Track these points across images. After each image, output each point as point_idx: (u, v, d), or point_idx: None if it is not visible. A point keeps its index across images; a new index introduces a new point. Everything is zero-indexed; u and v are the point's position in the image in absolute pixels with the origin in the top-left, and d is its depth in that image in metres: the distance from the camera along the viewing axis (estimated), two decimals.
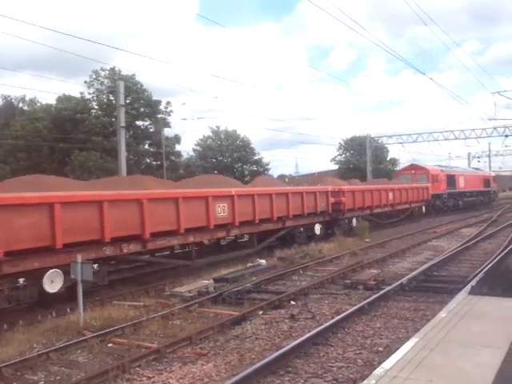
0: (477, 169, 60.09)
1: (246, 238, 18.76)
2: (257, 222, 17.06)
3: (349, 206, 23.59)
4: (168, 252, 15.72)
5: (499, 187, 64.14)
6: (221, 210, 15.33)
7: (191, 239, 14.53)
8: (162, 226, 13.22)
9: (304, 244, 19.10)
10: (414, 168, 40.24)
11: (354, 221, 24.34)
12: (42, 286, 10.18)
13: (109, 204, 11.65)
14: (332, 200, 22.22)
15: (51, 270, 10.31)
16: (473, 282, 9.88)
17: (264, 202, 17.49)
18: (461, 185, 42.97)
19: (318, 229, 21.15)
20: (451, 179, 41.27)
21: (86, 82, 49.00)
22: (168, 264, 14.99)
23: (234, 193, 16.04)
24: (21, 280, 9.96)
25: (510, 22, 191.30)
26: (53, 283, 10.33)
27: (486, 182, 51.80)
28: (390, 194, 28.71)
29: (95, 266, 11.11)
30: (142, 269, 14.99)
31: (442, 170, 41.18)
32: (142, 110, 49.47)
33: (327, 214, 21.91)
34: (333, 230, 22.38)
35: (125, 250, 12.30)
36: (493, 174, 59.72)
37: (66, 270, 10.20)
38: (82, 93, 49.12)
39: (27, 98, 55.67)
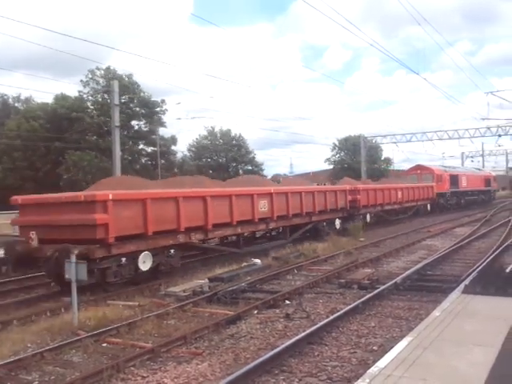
0: (478, 169, 61.93)
1: (274, 232, 21.01)
2: (290, 216, 19.45)
3: (363, 203, 26.09)
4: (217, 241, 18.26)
5: None
6: (262, 206, 17.75)
7: (239, 230, 17.02)
8: (219, 218, 15.62)
9: (326, 236, 21.40)
10: (419, 168, 42.48)
11: (368, 216, 27.10)
12: (137, 265, 12.69)
13: (183, 200, 14.03)
14: (349, 198, 24.52)
15: (144, 253, 12.85)
16: (466, 281, 9.92)
17: (295, 199, 19.84)
18: (463, 184, 44.88)
19: (338, 223, 23.62)
20: (454, 179, 43.13)
21: (81, 81, 48.94)
22: (221, 251, 17.42)
23: (272, 191, 18.48)
24: (123, 259, 12.33)
25: (503, 23, 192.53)
26: (144, 263, 12.91)
27: (487, 181, 53.60)
28: (399, 193, 31.19)
29: (172, 251, 13.86)
30: (200, 256, 17.52)
31: (445, 171, 43.20)
32: (137, 110, 49.45)
33: (345, 210, 24.21)
34: (350, 224, 24.27)
35: (193, 239, 14.82)
36: (493, 173, 60.88)
37: (154, 252, 13.09)
38: (80, 91, 49.08)
39: (22, 97, 55.49)
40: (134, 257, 12.62)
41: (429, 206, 37.22)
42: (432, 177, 40.20)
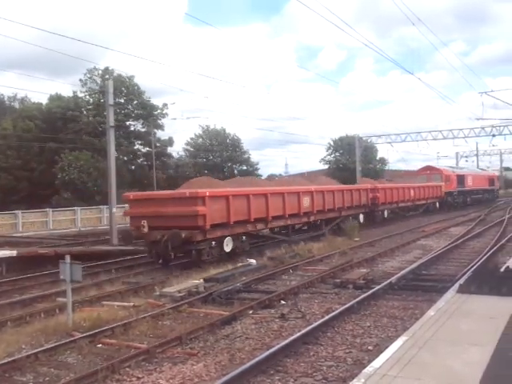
0: (482, 169, 65.25)
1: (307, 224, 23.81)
2: (325, 210, 22.95)
3: (382, 200, 29.59)
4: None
5: None
6: (306, 202, 21.13)
7: (289, 222, 20.50)
8: (276, 212, 19.12)
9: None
10: (429, 169, 45.71)
11: (386, 212, 30.81)
12: (222, 247, 16.28)
13: (253, 197, 17.66)
14: (370, 196, 28.07)
15: (227, 237, 16.44)
16: (461, 281, 9.94)
17: (329, 196, 23.34)
18: (469, 184, 47.90)
19: (361, 218, 27.11)
20: (461, 179, 46.21)
21: (80, 80, 48.83)
22: (275, 238, 20.20)
23: (313, 189, 22.14)
24: (213, 243, 15.88)
25: (495, 23, 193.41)
26: (227, 245, 16.46)
27: (491, 181, 56.46)
28: (412, 192, 34.70)
29: (244, 237, 17.69)
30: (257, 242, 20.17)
31: (453, 171, 46.56)
32: (136, 111, 49.47)
33: (367, 206, 27.84)
34: (370, 218, 28.41)
35: (257, 228, 18.32)
36: (497, 173, 62.39)
37: (233, 238, 16.75)
38: (75, 92, 49.00)
39: (18, 97, 55.28)
40: (220, 241, 16.29)
41: (437, 204, 40.48)
42: (440, 177, 42.85)
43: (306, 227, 23.96)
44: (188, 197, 15.74)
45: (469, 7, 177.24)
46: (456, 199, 44.25)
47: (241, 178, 27.67)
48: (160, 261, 16.19)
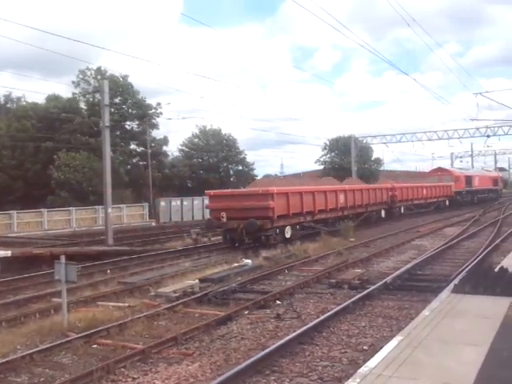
0: (487, 170, 69.47)
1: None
2: (356, 206, 27.20)
3: (400, 198, 33.70)
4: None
5: None
6: (341, 199, 25.33)
7: (329, 215, 24.56)
8: (320, 206, 23.30)
9: (375, 222, 29.31)
10: (440, 170, 50.20)
11: (402, 208, 34.94)
12: (284, 234, 20.54)
13: (304, 194, 22.12)
14: (390, 194, 32.26)
15: (287, 226, 20.85)
16: (456, 281, 9.99)
17: (358, 194, 27.70)
18: (476, 184, 51.46)
19: (383, 213, 31.78)
20: (468, 179, 49.92)
21: (73, 82, 48.69)
22: (319, 229, 23.41)
23: (347, 188, 26.76)
24: (277, 230, 20.09)
25: (489, 25, 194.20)
26: (287, 233, 20.82)
27: (495, 181, 59.99)
28: (424, 191, 38.78)
29: (297, 226, 21.83)
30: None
31: (462, 172, 51.10)
32: (130, 111, 49.34)
33: (387, 203, 32.02)
34: (388, 215, 32.42)
35: (307, 219, 22.54)
36: (500, 174, 64.70)
37: (291, 226, 21.21)
38: (74, 93, 48.89)
39: (13, 96, 54.98)
40: (282, 229, 20.56)
41: (447, 202, 44.11)
42: (450, 178, 46.82)
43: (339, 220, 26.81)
44: (261, 193, 20.13)
45: (462, 9, 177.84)
46: (464, 198, 47.54)
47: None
48: (236, 244, 20.43)
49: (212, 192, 22.77)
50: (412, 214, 35.97)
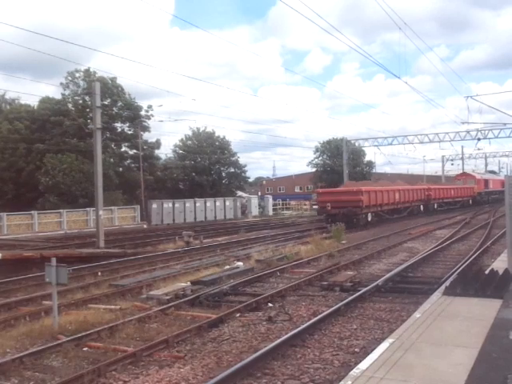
0: (496, 173, 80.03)
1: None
2: (404, 201, 36.72)
3: (433, 197, 42.50)
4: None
5: None
6: (397, 196, 35.23)
7: (390, 207, 34.32)
8: (385, 200, 33.05)
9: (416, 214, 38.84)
10: (464, 175, 59.87)
11: (436, 205, 43.64)
12: (367, 218, 30.79)
13: (378, 191, 32.36)
14: (426, 193, 41.11)
15: (369, 213, 31.03)
16: (447, 283, 10.04)
17: (406, 193, 37.43)
18: (491, 186, 60.54)
19: (421, 208, 40.79)
20: (486, 182, 59.56)
21: (61, 83, 48.45)
22: (383, 216, 33.56)
23: (400, 188, 36.88)
24: (363, 215, 30.60)
25: (476, 30, 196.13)
26: (369, 218, 31.06)
27: (502, 183, 64.47)
28: (452, 191, 48.19)
29: (373, 213, 31.76)
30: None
31: (481, 177, 60.55)
32: (121, 113, 49.17)
33: (424, 200, 40.95)
34: (425, 209, 41.12)
35: (378, 209, 32.10)
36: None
37: (372, 214, 31.49)
38: (63, 94, 48.63)
39: (7, 98, 54.59)
40: (366, 215, 30.61)
41: (470, 201, 53.05)
42: (474, 181, 56.09)
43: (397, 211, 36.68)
44: (355, 191, 30.53)
45: (450, 13, 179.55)
46: (483, 198, 56.95)
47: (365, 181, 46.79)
48: (333, 224, 26.45)
49: (320, 190, 37.05)
50: (443, 210, 44.30)
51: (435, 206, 43.05)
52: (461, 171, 77.05)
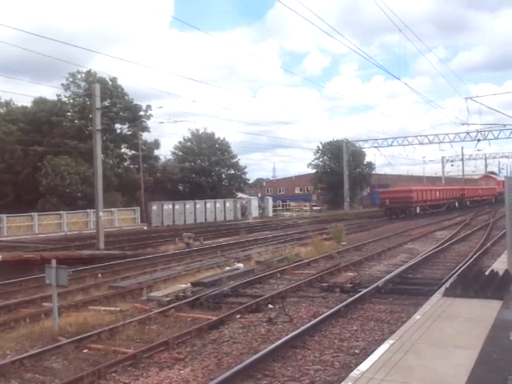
0: (496, 174, 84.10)
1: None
2: (442, 198, 46.76)
3: (466, 195, 52.88)
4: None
5: None
6: (438, 194, 46.26)
7: (433, 203, 45.04)
8: (429, 197, 44.53)
9: (452, 210, 48.26)
10: (487, 176, 70.07)
11: (468, 203, 53.50)
12: (416, 210, 42.99)
13: (425, 190, 45.42)
14: (459, 192, 51.03)
15: (418, 206, 42.90)
16: (447, 284, 10.02)
17: (445, 191, 47.81)
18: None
19: (456, 204, 49.74)
20: (503, 183, 62.52)
21: (62, 84, 48.45)
22: (425, 211, 44.41)
23: (440, 187, 50.38)
24: (413, 208, 42.61)
25: (474, 32, 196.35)
26: (418, 210, 42.92)
27: None
28: (480, 191, 59.24)
29: (421, 207, 43.84)
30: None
31: (501, 178, 65.17)
32: (120, 113, 49.16)
33: (458, 198, 50.52)
34: (459, 205, 51.06)
35: (423, 204, 43.96)
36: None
37: (420, 208, 43.74)
38: (59, 95, 48.56)
39: (2, 100, 54.56)
40: (416, 208, 42.13)
41: (493, 199, 61.60)
42: (495, 182, 64.85)
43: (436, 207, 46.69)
44: (407, 190, 41.93)
45: (448, 15, 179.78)
46: (502, 197, 59.01)
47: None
48: (394, 216, 40.36)
49: (381, 190, 48.47)
50: (468, 206, 53.11)
51: (467, 203, 53.04)
52: (460, 172, 78.33)
